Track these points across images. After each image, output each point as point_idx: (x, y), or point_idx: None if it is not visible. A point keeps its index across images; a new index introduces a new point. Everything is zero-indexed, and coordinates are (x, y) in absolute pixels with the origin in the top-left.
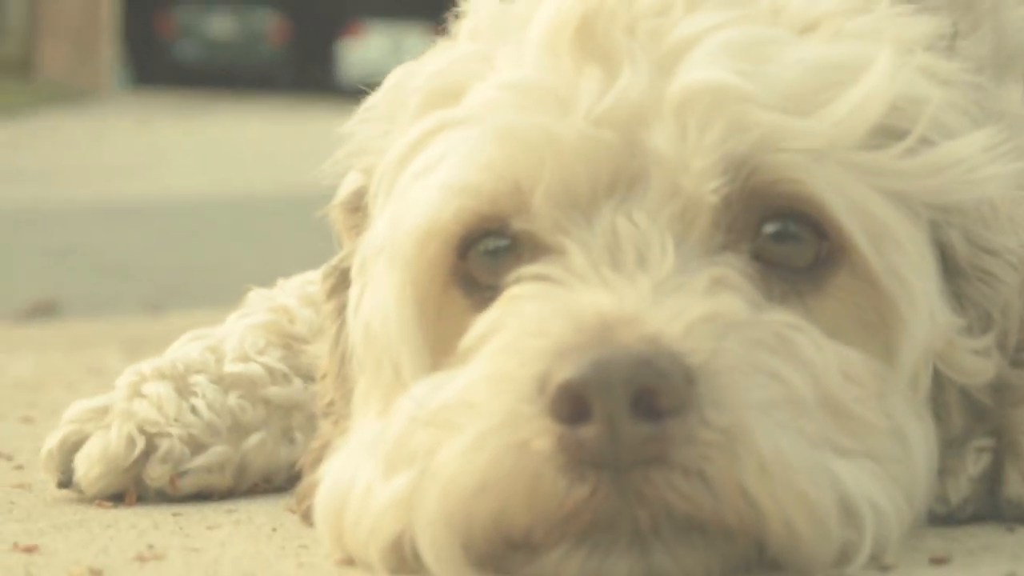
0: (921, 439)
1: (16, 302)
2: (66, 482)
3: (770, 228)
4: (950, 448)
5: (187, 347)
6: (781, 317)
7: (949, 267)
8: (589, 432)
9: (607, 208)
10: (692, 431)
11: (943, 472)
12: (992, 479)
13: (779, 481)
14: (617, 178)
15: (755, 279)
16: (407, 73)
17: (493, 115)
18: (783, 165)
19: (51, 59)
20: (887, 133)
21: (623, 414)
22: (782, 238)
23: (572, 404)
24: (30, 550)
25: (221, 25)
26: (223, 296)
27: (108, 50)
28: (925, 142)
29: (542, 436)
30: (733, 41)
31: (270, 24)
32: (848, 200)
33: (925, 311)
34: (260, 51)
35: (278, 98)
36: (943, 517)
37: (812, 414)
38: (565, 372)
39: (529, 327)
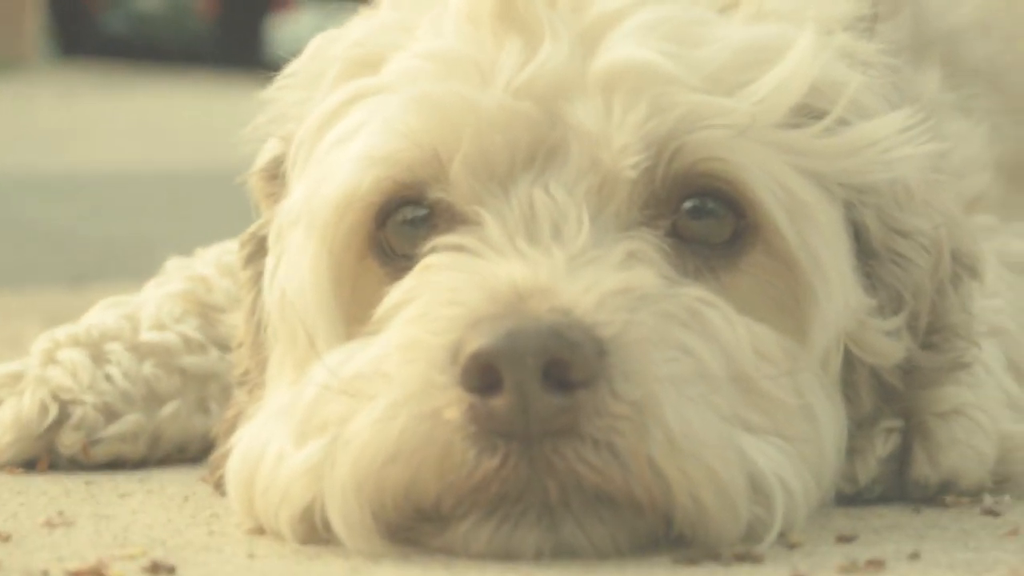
0: (831, 419)
1: None
2: None
3: (688, 205)
4: (859, 429)
5: (103, 314)
6: (694, 292)
7: (863, 248)
8: (499, 402)
9: (524, 180)
10: (602, 403)
11: (852, 452)
12: (900, 460)
13: (687, 455)
14: (535, 150)
15: (670, 254)
16: (328, 41)
17: (412, 84)
18: (704, 143)
19: None
20: (806, 113)
21: (533, 385)
22: (700, 215)
23: (483, 374)
24: None
25: None
26: (147, 270)
27: (33, 20)
28: (843, 123)
29: (453, 406)
30: (657, 20)
31: None
32: (767, 179)
33: (838, 291)
34: (188, 25)
35: (206, 73)
36: (851, 497)
37: (723, 390)
38: (477, 342)
39: (443, 297)
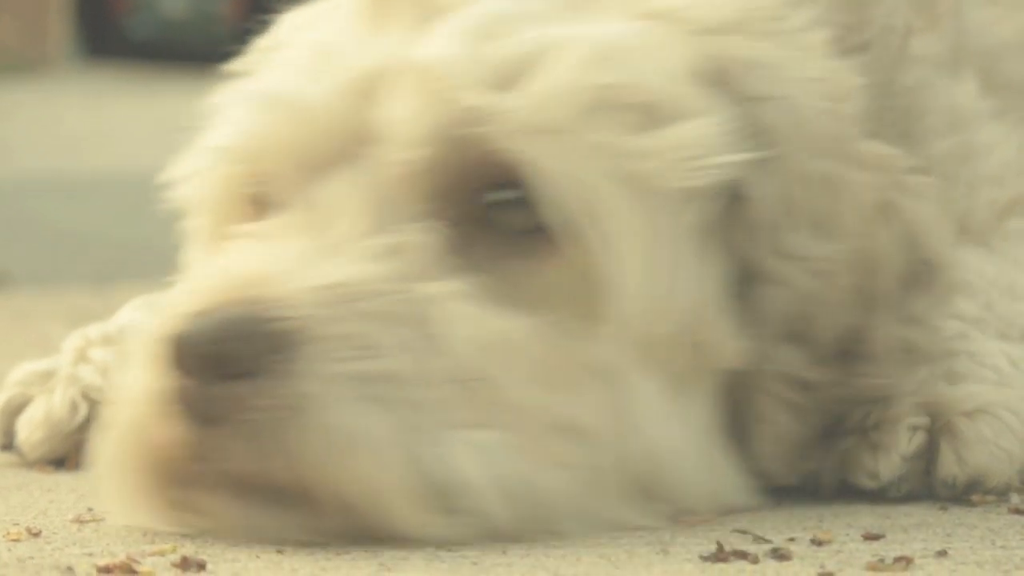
0: (658, 420)
1: None
2: (8, 445)
3: (489, 197)
4: (816, 444)
5: (134, 314)
6: (439, 288)
7: (738, 262)
8: (172, 386)
9: (326, 173)
10: (260, 396)
11: (875, 448)
12: (926, 459)
13: (342, 453)
14: (341, 145)
15: (462, 246)
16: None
17: (260, 79)
18: (499, 138)
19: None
20: (621, 111)
21: (196, 373)
22: (500, 208)
23: (164, 358)
24: None
25: (174, 3)
26: (172, 272)
27: (59, 24)
28: (657, 122)
29: (149, 385)
30: (483, 14)
31: (224, 3)
32: (562, 174)
33: (639, 287)
34: (213, 30)
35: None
36: (877, 495)
37: (428, 390)
38: (165, 327)
39: (187, 281)
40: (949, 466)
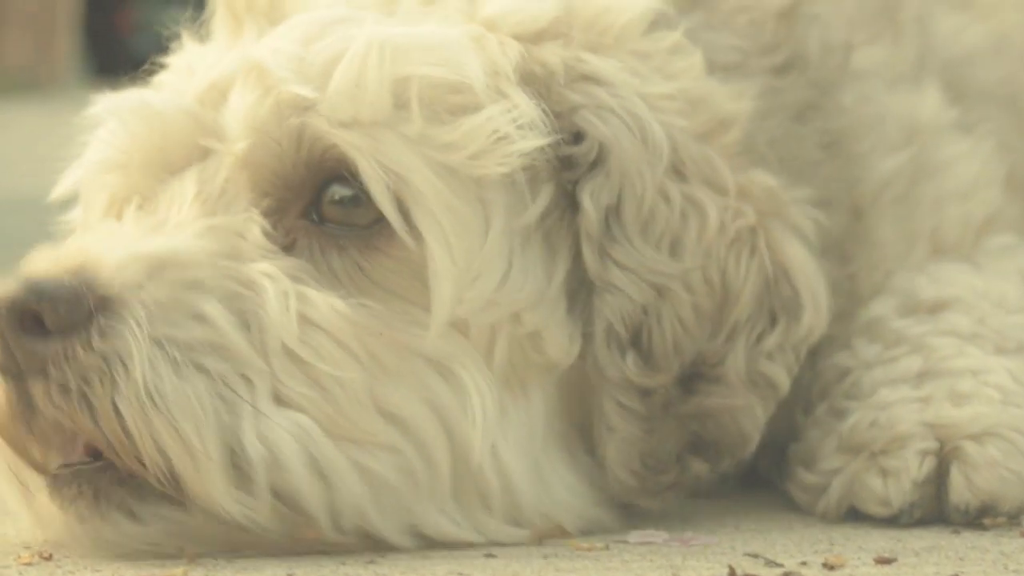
0: (487, 415)
1: None
2: None
3: (331, 191)
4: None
5: None
6: (258, 267)
7: (576, 265)
8: None
9: (178, 172)
10: (73, 353)
11: (884, 474)
12: (937, 483)
13: (155, 415)
14: (195, 147)
15: (297, 236)
16: None
17: (129, 95)
18: (321, 130)
19: (9, 50)
20: (433, 105)
21: (9, 330)
22: (339, 201)
23: None
24: None
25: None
26: None
27: (66, 42)
28: (463, 115)
29: None
30: (307, 20)
31: None
32: (384, 168)
33: (457, 277)
34: None
35: None
36: (889, 519)
37: (241, 361)
38: None
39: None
40: (960, 492)
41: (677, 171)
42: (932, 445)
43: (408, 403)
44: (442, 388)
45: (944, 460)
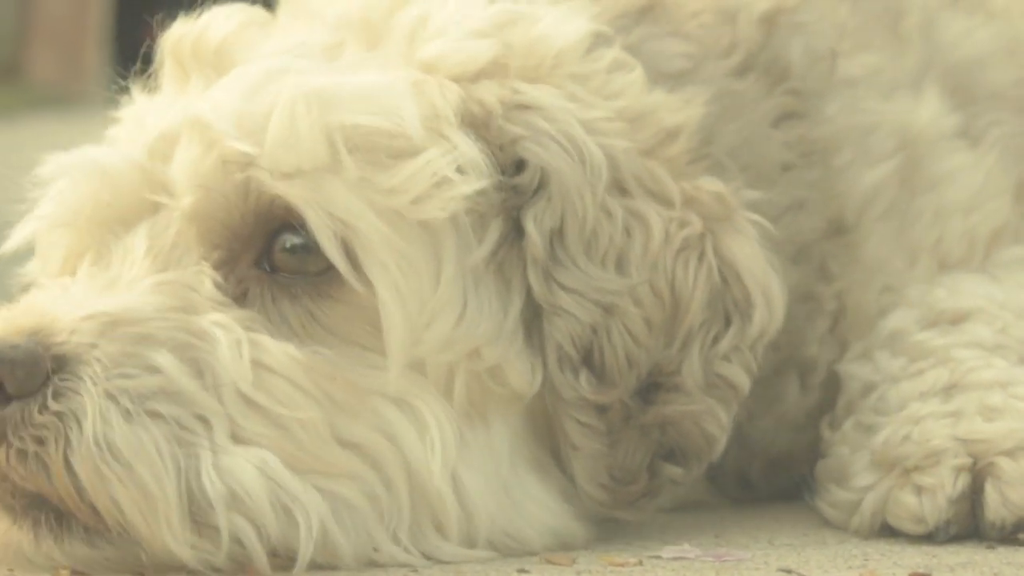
0: (450, 447)
1: None
2: None
3: (280, 241)
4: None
5: None
6: (209, 318)
7: (526, 294)
8: None
9: (129, 227)
10: (29, 416)
11: (919, 491)
12: (971, 500)
13: (106, 466)
14: (143, 201)
15: (248, 287)
16: None
17: (80, 152)
18: (264, 182)
19: (39, 63)
20: (372, 152)
21: None
22: (291, 250)
23: None
24: None
25: None
26: None
27: (96, 55)
28: (402, 160)
29: None
30: (254, 70)
31: None
32: (328, 216)
33: (409, 321)
34: None
35: None
36: (925, 536)
37: (194, 406)
38: None
39: None
40: (996, 509)
41: (619, 187)
42: (966, 461)
43: (367, 434)
44: (400, 420)
45: (978, 476)
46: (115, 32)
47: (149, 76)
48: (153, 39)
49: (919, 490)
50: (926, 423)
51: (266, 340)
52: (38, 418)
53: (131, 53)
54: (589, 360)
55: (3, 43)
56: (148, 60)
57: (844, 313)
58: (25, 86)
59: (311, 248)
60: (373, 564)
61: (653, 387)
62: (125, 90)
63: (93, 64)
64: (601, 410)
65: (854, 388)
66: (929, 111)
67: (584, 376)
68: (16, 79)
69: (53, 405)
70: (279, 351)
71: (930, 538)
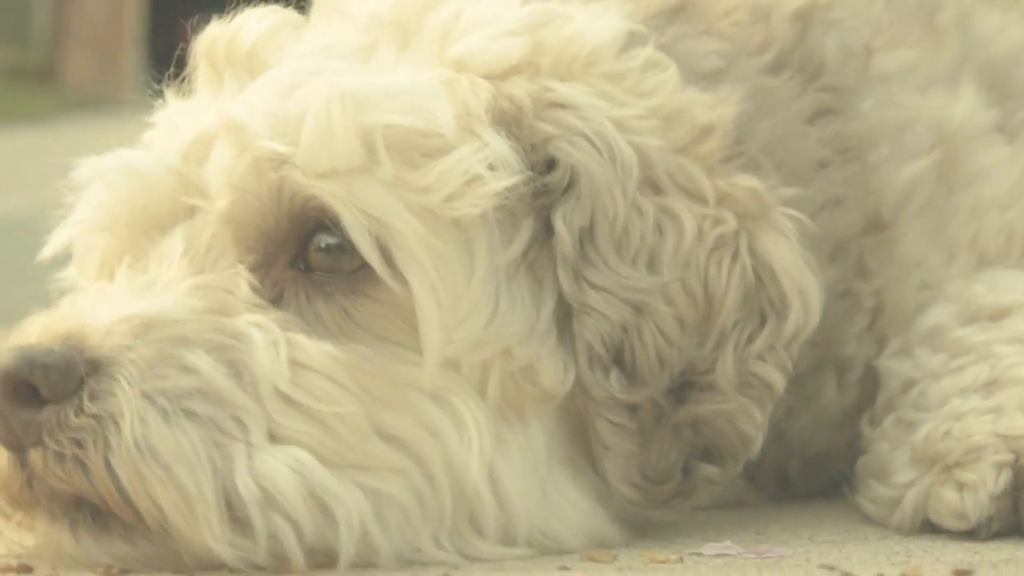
0: (486, 445)
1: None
2: None
3: (315, 241)
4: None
5: None
6: (245, 319)
7: (557, 292)
8: None
9: (166, 230)
10: (66, 419)
11: (961, 487)
12: (1014, 496)
13: (146, 467)
14: (179, 204)
15: (283, 288)
16: None
17: (115, 156)
18: (299, 182)
19: (75, 66)
20: (406, 150)
21: (4, 402)
22: (326, 249)
23: None
24: None
25: None
26: None
27: (132, 58)
28: (435, 158)
29: None
30: (284, 73)
31: None
32: (363, 215)
33: (444, 319)
34: None
35: None
36: (967, 533)
37: (238, 404)
38: None
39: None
40: None
41: (652, 185)
42: (1007, 457)
43: (408, 427)
44: (438, 415)
45: (1020, 472)
46: (150, 36)
47: (183, 80)
48: (187, 42)
49: (960, 486)
50: (967, 419)
51: (303, 339)
52: (75, 421)
53: (166, 57)
54: (620, 359)
55: (39, 47)
56: (182, 63)
57: (882, 310)
58: (61, 90)
59: (345, 247)
60: (411, 562)
61: (686, 386)
62: (159, 94)
63: (128, 68)
64: (632, 409)
65: (894, 385)
66: (965, 106)
67: (615, 375)
68: (52, 83)
69: (90, 408)
70: (316, 349)
71: (972, 534)
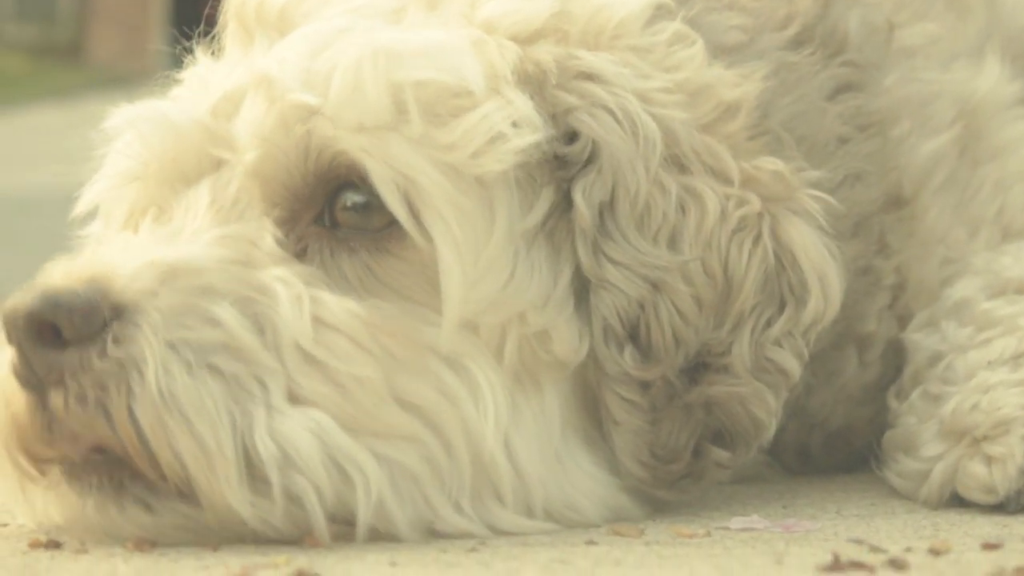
0: (501, 409)
1: None
2: None
3: (342, 199)
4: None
5: None
6: (270, 272)
7: (575, 264)
8: (11, 355)
9: (192, 183)
10: (88, 361)
11: (989, 461)
12: None
13: (169, 418)
14: (204, 158)
15: (309, 243)
16: None
17: (147, 107)
18: (327, 136)
19: (101, 43)
20: (433, 107)
21: (27, 342)
22: (353, 208)
23: (9, 332)
24: None
25: None
26: None
27: (156, 35)
28: (458, 116)
29: (4, 359)
30: (317, 29)
31: None
32: (392, 171)
33: (464, 277)
34: None
35: None
36: (995, 507)
37: (260, 361)
38: (10, 304)
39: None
40: None
41: (676, 162)
42: None
43: (426, 393)
44: (455, 382)
45: None
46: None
47: (212, 39)
48: (216, 2)
49: (989, 460)
50: (995, 392)
51: (326, 296)
52: (97, 364)
53: (191, 33)
54: (635, 335)
55: (65, 24)
56: (212, 23)
57: (904, 287)
58: (87, 66)
59: (372, 205)
60: (436, 534)
61: (700, 367)
62: (182, 63)
63: (154, 45)
64: (644, 386)
65: (921, 358)
66: (990, 79)
67: (629, 351)
68: (78, 60)
69: (113, 351)
70: (339, 307)
71: (1000, 508)
